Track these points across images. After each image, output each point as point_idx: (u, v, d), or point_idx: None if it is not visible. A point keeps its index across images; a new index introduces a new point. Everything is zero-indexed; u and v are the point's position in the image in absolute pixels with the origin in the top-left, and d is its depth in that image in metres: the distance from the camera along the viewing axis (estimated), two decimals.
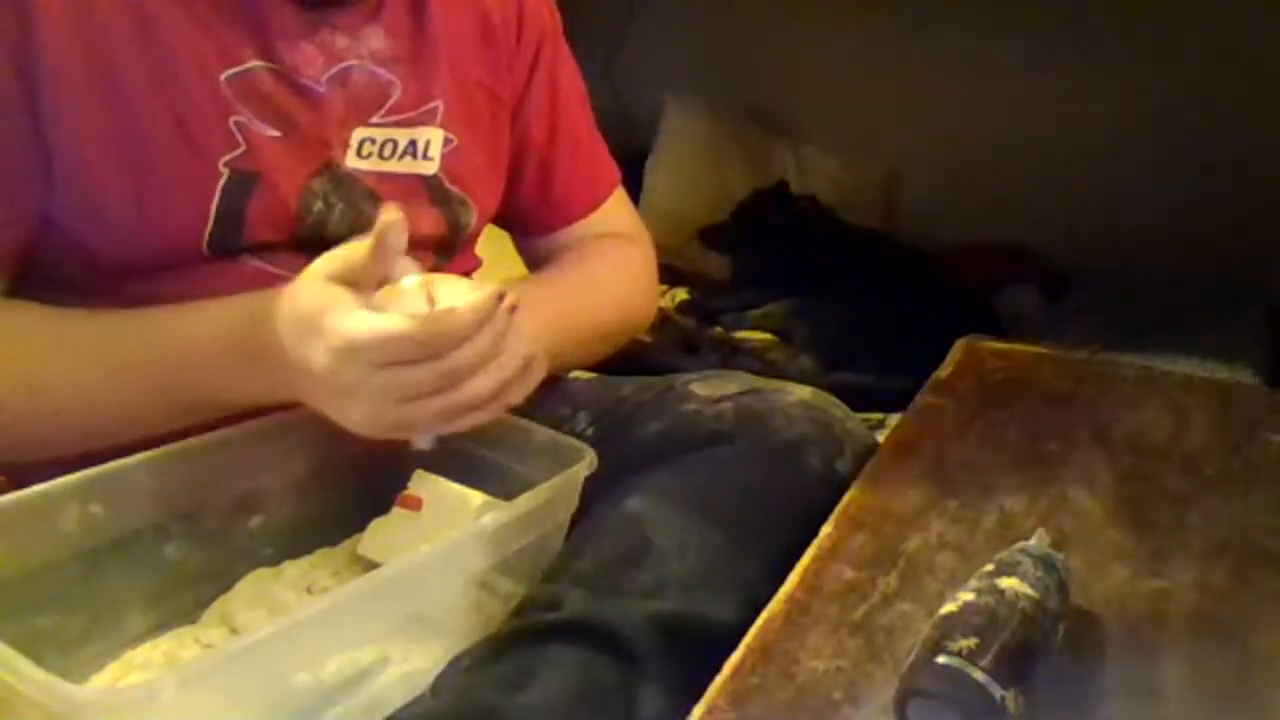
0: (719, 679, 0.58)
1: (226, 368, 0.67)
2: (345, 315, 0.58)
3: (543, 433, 0.75)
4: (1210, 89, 1.92)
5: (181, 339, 0.69)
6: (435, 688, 0.63)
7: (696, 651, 0.63)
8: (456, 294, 0.61)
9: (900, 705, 0.52)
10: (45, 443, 0.69)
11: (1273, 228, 1.86)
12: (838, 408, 0.85)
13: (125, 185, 0.70)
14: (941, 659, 0.51)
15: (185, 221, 0.72)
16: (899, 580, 0.66)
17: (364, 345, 0.57)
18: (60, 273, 0.73)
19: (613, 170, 1.00)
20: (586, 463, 0.70)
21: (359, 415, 0.61)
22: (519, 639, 0.64)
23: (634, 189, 2.26)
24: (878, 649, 0.60)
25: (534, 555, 0.70)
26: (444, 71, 0.82)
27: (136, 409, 0.69)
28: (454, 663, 0.64)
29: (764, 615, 0.63)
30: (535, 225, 0.96)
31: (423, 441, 0.63)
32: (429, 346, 0.58)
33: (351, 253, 0.60)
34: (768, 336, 1.78)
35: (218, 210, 0.72)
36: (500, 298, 0.60)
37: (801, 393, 0.84)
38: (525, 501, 0.66)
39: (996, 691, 0.50)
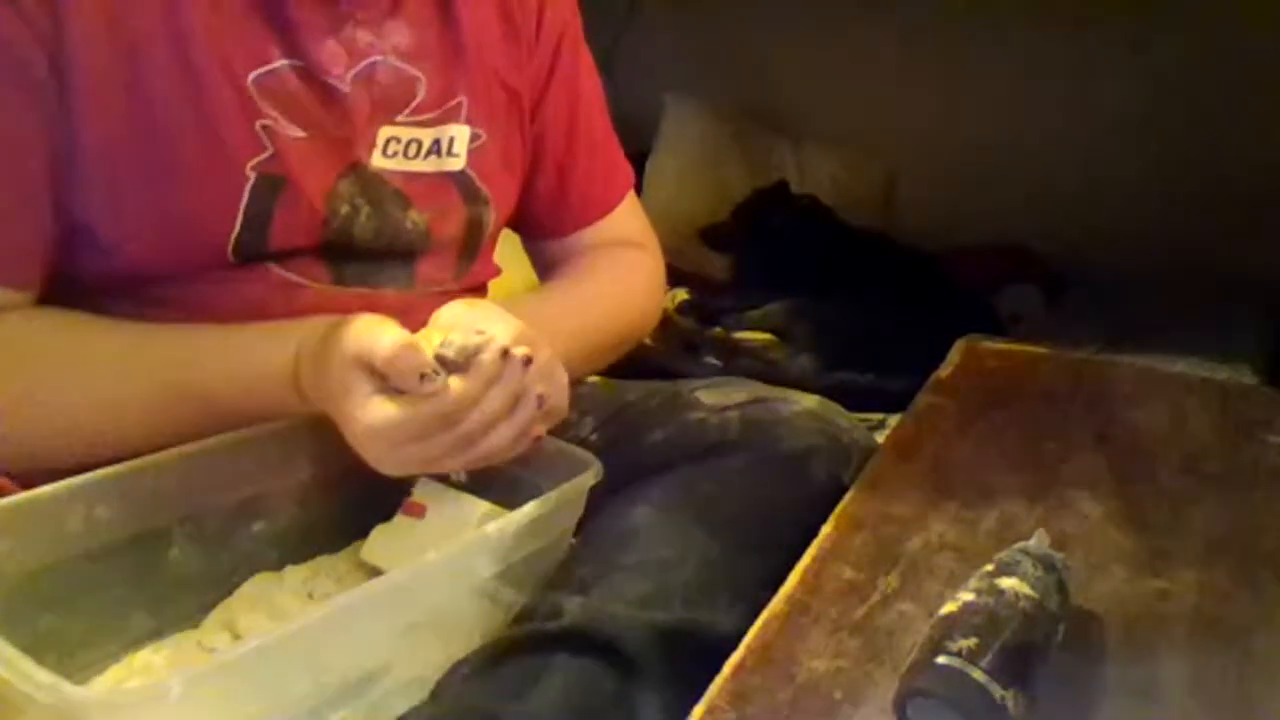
0: (719, 679, 0.58)
1: (267, 396, 0.69)
2: (362, 404, 0.61)
3: (550, 442, 0.74)
4: (1212, 90, 1.92)
5: (226, 365, 0.70)
6: (435, 694, 0.63)
7: (698, 661, 0.63)
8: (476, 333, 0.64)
9: (900, 705, 0.53)
10: (61, 454, 0.69)
11: (1272, 227, 1.86)
12: (844, 417, 0.85)
13: (152, 189, 0.70)
14: (941, 659, 0.52)
15: (212, 226, 0.72)
16: (899, 580, 0.66)
17: (380, 432, 0.61)
18: (83, 274, 0.72)
19: (627, 173, 1.00)
20: (592, 473, 0.70)
21: (388, 470, 0.65)
22: (520, 647, 0.64)
23: (634, 189, 2.26)
24: (878, 649, 0.60)
25: (538, 563, 0.70)
26: (470, 65, 0.81)
27: (167, 429, 0.69)
28: (454, 669, 0.64)
29: (764, 615, 0.63)
30: (549, 228, 0.96)
31: (457, 476, 0.68)
32: (441, 421, 0.61)
33: (376, 345, 0.61)
34: (768, 336, 1.78)
35: (245, 215, 0.72)
36: (507, 352, 0.63)
37: (808, 402, 0.83)
38: (530, 510, 0.66)
39: (996, 691, 0.50)
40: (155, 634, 0.68)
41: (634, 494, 0.75)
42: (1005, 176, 2.10)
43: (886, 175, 2.32)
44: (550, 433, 0.76)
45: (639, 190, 2.38)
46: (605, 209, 0.96)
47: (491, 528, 0.65)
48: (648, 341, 1.70)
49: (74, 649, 0.64)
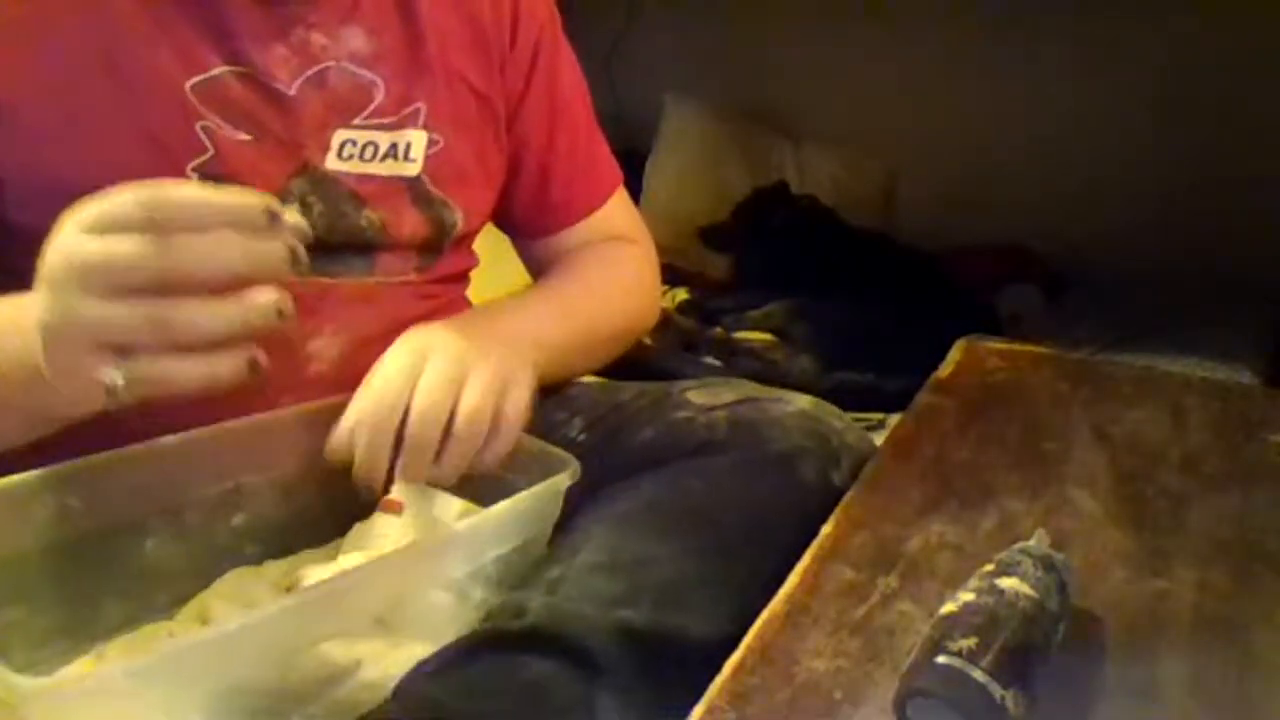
0: (719, 679, 0.58)
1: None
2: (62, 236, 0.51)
3: (531, 441, 0.73)
4: (1213, 90, 1.92)
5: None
6: (396, 693, 0.61)
7: (669, 666, 0.61)
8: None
9: (900, 705, 0.52)
10: None
11: (1272, 228, 1.87)
12: (838, 418, 0.83)
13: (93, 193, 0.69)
14: (941, 659, 0.51)
15: None
16: (899, 580, 0.66)
17: (72, 254, 0.50)
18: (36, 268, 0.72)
19: (613, 171, 0.99)
20: (569, 473, 0.69)
21: (58, 347, 0.52)
22: (483, 646, 0.62)
23: (634, 189, 2.26)
24: (878, 649, 0.60)
25: (513, 564, 0.69)
26: (431, 70, 0.81)
27: None
28: (417, 668, 0.62)
29: (764, 615, 0.63)
30: (534, 228, 0.96)
31: (106, 376, 0.50)
32: (148, 216, 0.49)
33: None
34: (768, 336, 1.78)
35: None
36: (273, 214, 0.50)
37: (801, 402, 0.82)
38: (500, 510, 0.65)
39: (996, 691, 0.50)
40: (129, 626, 0.67)
41: (615, 493, 0.74)
42: (1005, 176, 2.11)
43: (886, 175, 2.32)
44: (538, 433, 0.76)
45: (639, 190, 2.39)
46: (590, 209, 0.95)
47: (458, 526, 0.64)
48: (647, 341, 1.70)
49: (45, 638, 0.63)
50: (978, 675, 0.50)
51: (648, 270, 0.99)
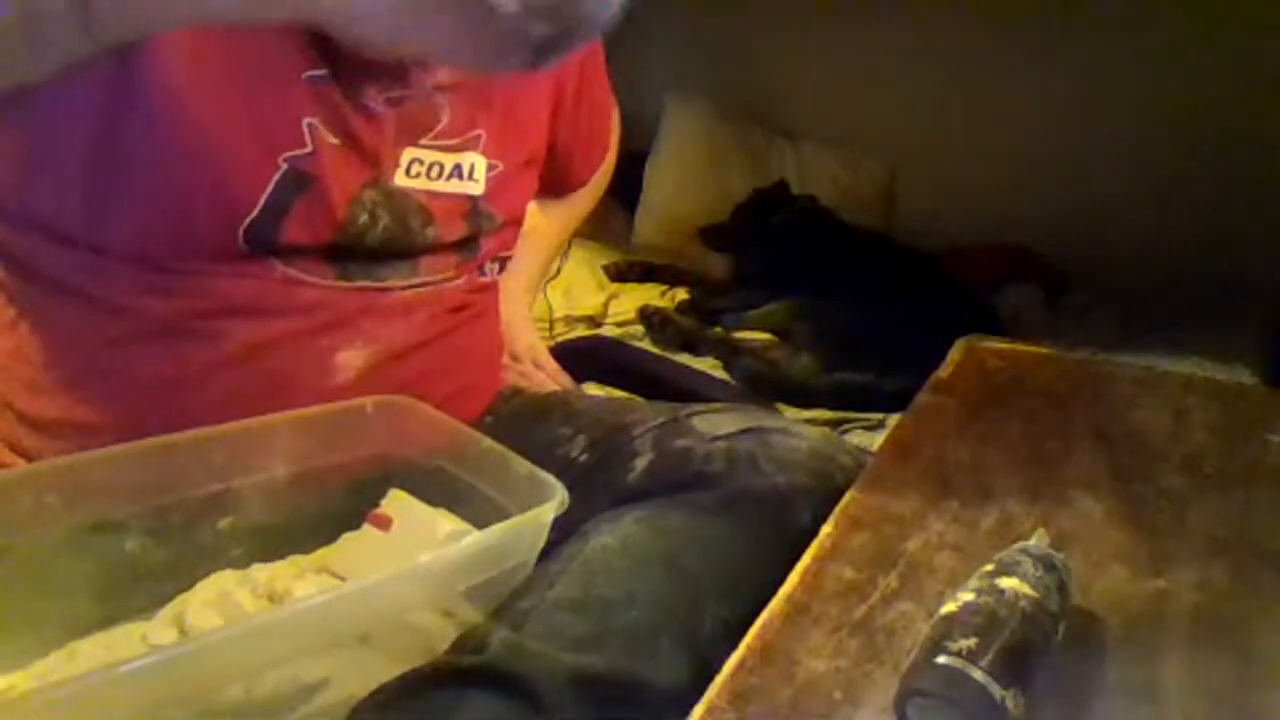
0: (719, 678, 0.58)
1: None
2: None
3: (522, 465, 0.72)
4: (1212, 92, 1.92)
5: None
6: (350, 718, 0.61)
7: (627, 713, 0.60)
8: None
9: (900, 705, 0.52)
10: None
11: (1272, 228, 1.87)
12: (846, 454, 0.81)
13: (184, 165, 0.70)
14: (941, 659, 0.52)
15: (230, 207, 0.72)
16: (899, 580, 0.66)
17: None
18: (87, 266, 0.72)
19: (611, 109, 1.09)
20: (555, 504, 0.67)
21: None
22: (438, 680, 0.62)
23: (634, 189, 2.27)
24: (878, 649, 0.60)
25: (493, 590, 0.68)
26: (492, 99, 0.85)
27: None
28: (373, 695, 0.61)
29: (764, 615, 0.63)
30: (554, 193, 1.08)
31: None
32: None
33: None
34: (768, 336, 1.78)
35: (266, 203, 0.73)
36: None
37: (809, 436, 0.80)
38: (477, 540, 0.65)
39: (996, 691, 0.50)
40: (107, 623, 0.67)
41: (601, 523, 0.73)
42: (1006, 176, 2.11)
43: (886, 175, 2.32)
44: (542, 447, 0.76)
45: (639, 190, 2.39)
46: (599, 165, 1.10)
47: (431, 558, 0.63)
48: (651, 347, 1.71)
49: (17, 631, 0.63)
50: (978, 675, 0.51)
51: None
